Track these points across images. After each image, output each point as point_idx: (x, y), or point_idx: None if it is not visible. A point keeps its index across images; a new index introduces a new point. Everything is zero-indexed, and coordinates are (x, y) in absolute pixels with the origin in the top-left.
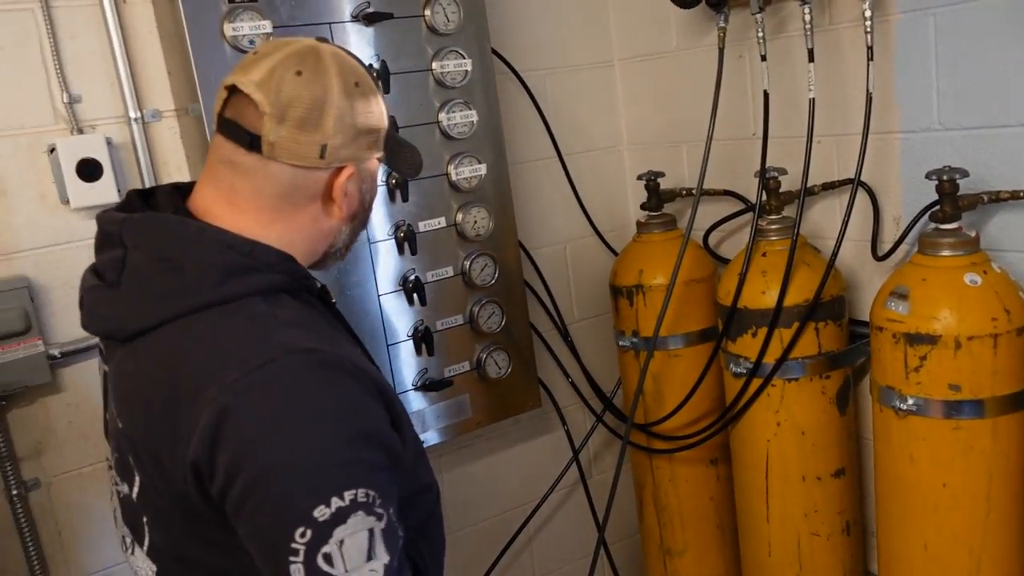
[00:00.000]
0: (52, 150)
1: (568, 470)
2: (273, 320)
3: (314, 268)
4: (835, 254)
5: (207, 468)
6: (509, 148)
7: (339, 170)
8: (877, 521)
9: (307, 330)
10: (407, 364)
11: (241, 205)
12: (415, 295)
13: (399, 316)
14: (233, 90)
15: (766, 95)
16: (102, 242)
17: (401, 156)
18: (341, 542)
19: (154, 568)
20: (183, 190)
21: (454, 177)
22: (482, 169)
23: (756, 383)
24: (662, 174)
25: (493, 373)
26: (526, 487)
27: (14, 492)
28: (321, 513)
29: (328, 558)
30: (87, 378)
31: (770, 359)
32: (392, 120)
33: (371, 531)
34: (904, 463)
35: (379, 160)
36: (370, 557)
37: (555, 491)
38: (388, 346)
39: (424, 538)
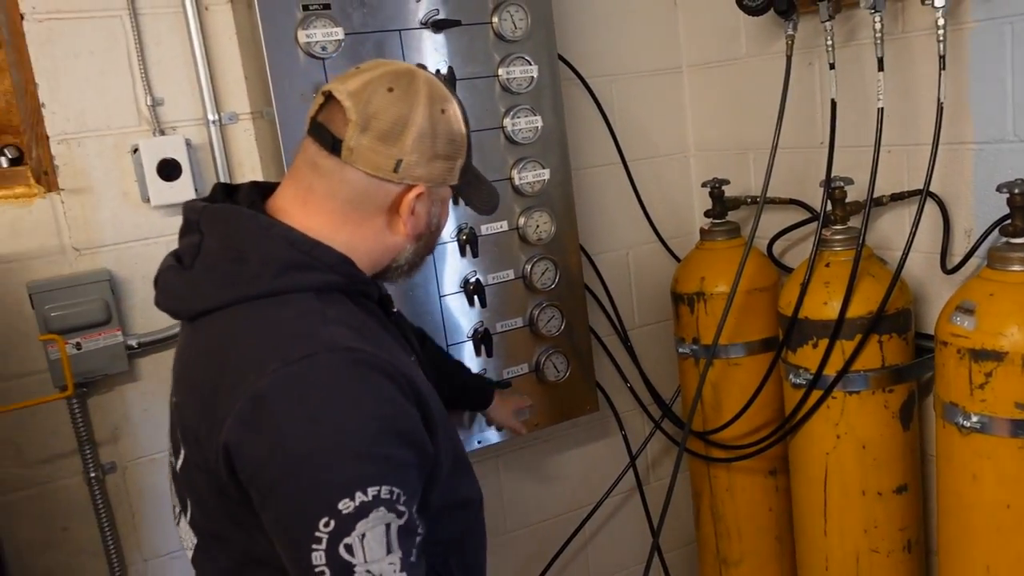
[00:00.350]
0: (135, 150)
1: (624, 475)
2: (321, 316)
3: (378, 279)
4: (901, 266)
5: (237, 451)
6: (573, 153)
7: (410, 187)
8: (939, 540)
9: (353, 330)
10: (467, 364)
11: (314, 205)
12: (476, 297)
13: (460, 317)
14: (328, 97)
15: (833, 103)
16: (184, 228)
17: (477, 192)
18: (363, 535)
19: (195, 540)
20: (264, 188)
21: (517, 181)
22: (545, 174)
23: (816, 395)
24: (727, 181)
25: (551, 376)
26: (583, 491)
27: (92, 475)
28: (346, 506)
29: (349, 549)
30: (162, 368)
31: (831, 371)
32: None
33: (389, 526)
34: (967, 482)
35: (453, 189)
36: (389, 550)
37: (612, 496)
38: (448, 346)
39: (458, 553)
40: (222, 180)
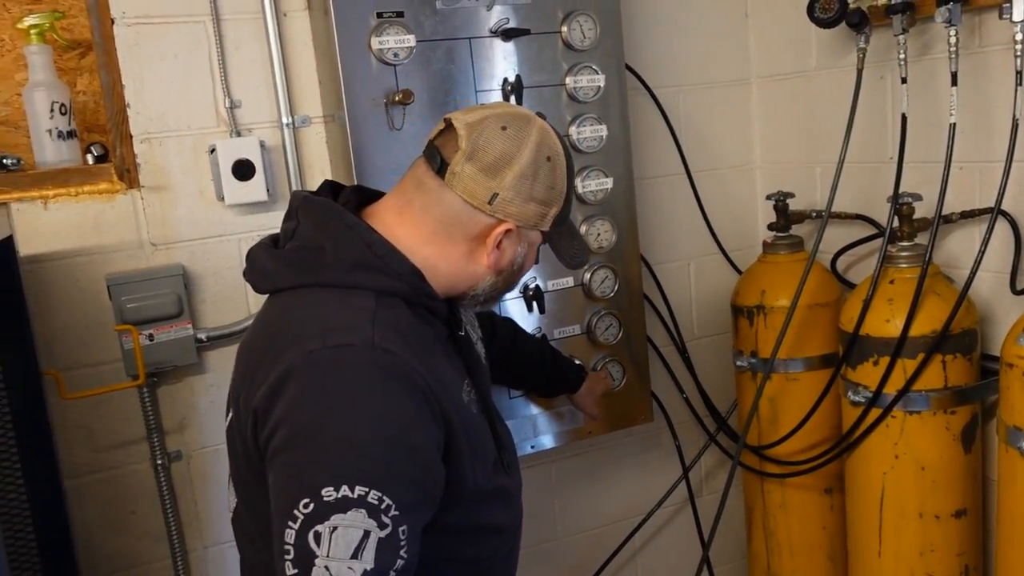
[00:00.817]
0: (212, 150)
1: (677, 487)
2: (371, 314)
3: (452, 301)
4: (968, 284)
5: (262, 416)
6: (637, 163)
7: (500, 222)
8: (997, 567)
9: (400, 335)
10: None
11: (408, 217)
12: (535, 303)
13: (519, 322)
14: (449, 125)
15: (904, 118)
16: (286, 214)
17: (568, 246)
18: (334, 528)
19: (235, 500)
20: (368, 194)
21: (580, 190)
22: (609, 183)
23: (875, 413)
24: (792, 195)
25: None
26: (635, 500)
27: (159, 461)
28: (327, 493)
29: (318, 537)
30: (228, 362)
31: (891, 389)
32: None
33: (366, 533)
34: None
35: (544, 236)
36: (355, 556)
37: (664, 507)
38: None
39: (477, 574)
40: (293, 181)
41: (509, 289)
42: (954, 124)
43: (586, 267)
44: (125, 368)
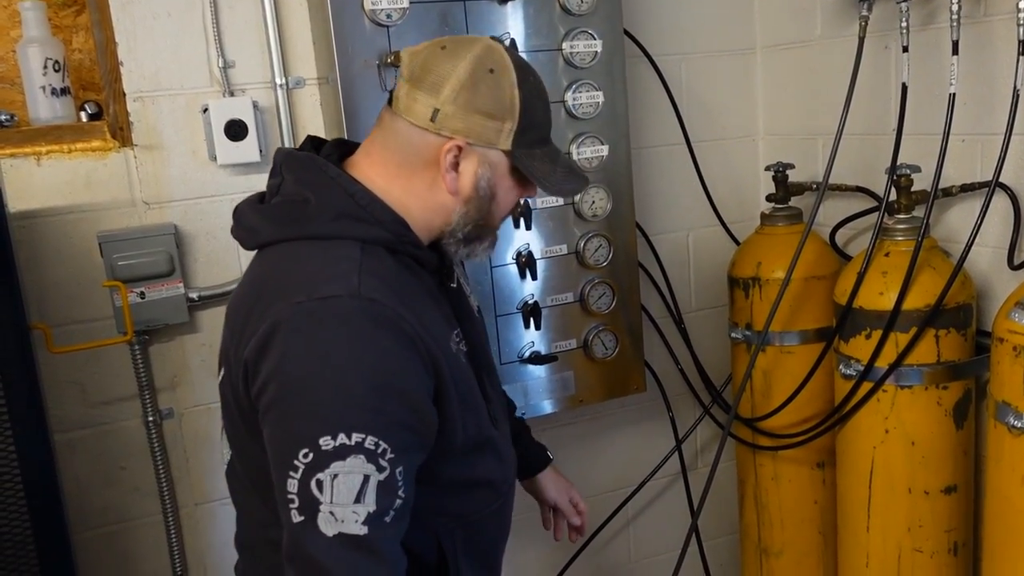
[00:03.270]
0: (205, 110)
1: (670, 459)
2: (356, 264)
3: (438, 247)
4: (963, 258)
5: (252, 369)
6: (636, 132)
7: (447, 140)
8: (984, 544)
9: (384, 283)
10: (514, 336)
11: (375, 158)
12: (527, 270)
13: (510, 289)
14: (398, 58)
15: (904, 87)
16: (271, 171)
17: (545, 169)
18: (335, 475)
19: (230, 453)
20: (349, 147)
21: (576, 157)
22: (604, 151)
23: (866, 387)
24: (791, 166)
25: (599, 353)
26: (627, 471)
27: (150, 419)
28: (325, 442)
29: (320, 485)
30: (220, 321)
31: (883, 363)
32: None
33: (366, 477)
34: (1015, 484)
35: (510, 158)
36: (358, 500)
37: (657, 479)
38: (496, 317)
39: (468, 530)
40: (286, 141)
41: (489, 224)
42: (954, 94)
43: (580, 236)
44: (116, 324)
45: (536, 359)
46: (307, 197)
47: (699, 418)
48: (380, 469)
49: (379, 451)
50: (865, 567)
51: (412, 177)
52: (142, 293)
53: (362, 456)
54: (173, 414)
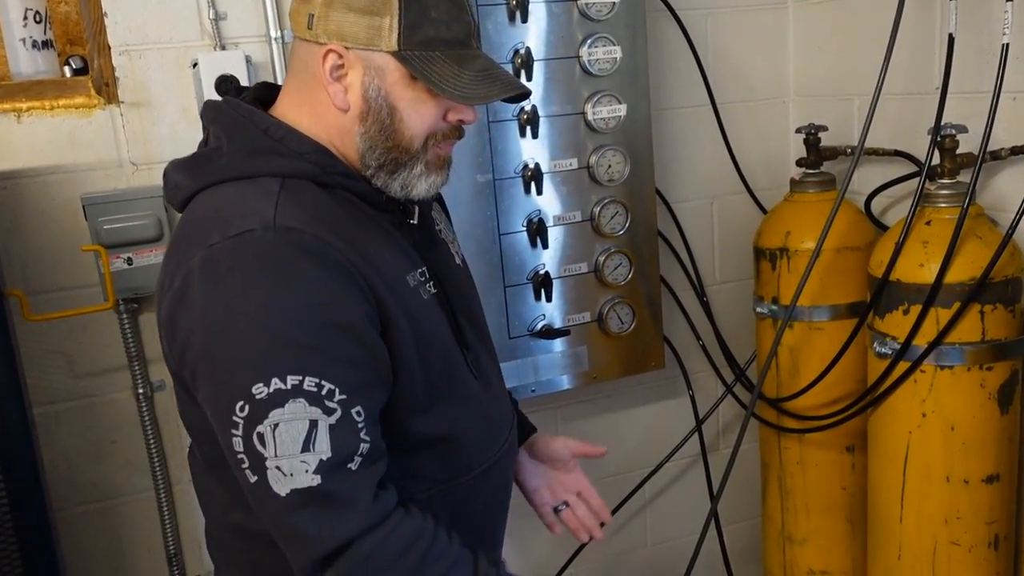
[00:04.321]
0: (195, 65)
1: (690, 439)
2: (273, 198)
3: (380, 184)
4: (1013, 227)
5: (169, 327)
6: (658, 92)
7: (324, 46)
8: (1020, 535)
9: (306, 213)
10: (524, 308)
11: (286, 89)
12: (538, 238)
13: (520, 258)
14: None
15: (951, 39)
16: (203, 127)
17: (448, 72)
18: (275, 425)
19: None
20: (273, 89)
21: (591, 116)
22: (621, 110)
23: (903, 366)
24: (824, 128)
25: (615, 327)
26: (645, 451)
27: (140, 391)
28: (259, 391)
29: (261, 438)
30: None
31: (921, 341)
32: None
33: (314, 423)
34: None
35: (401, 61)
36: (306, 448)
37: (676, 460)
38: (505, 288)
39: (445, 495)
40: None
41: (400, 144)
42: (1007, 46)
43: (595, 202)
44: (102, 292)
45: (547, 333)
46: (221, 142)
47: (721, 397)
48: (328, 411)
49: (323, 392)
50: (897, 560)
51: (312, 100)
52: (129, 259)
53: (302, 400)
54: (164, 386)
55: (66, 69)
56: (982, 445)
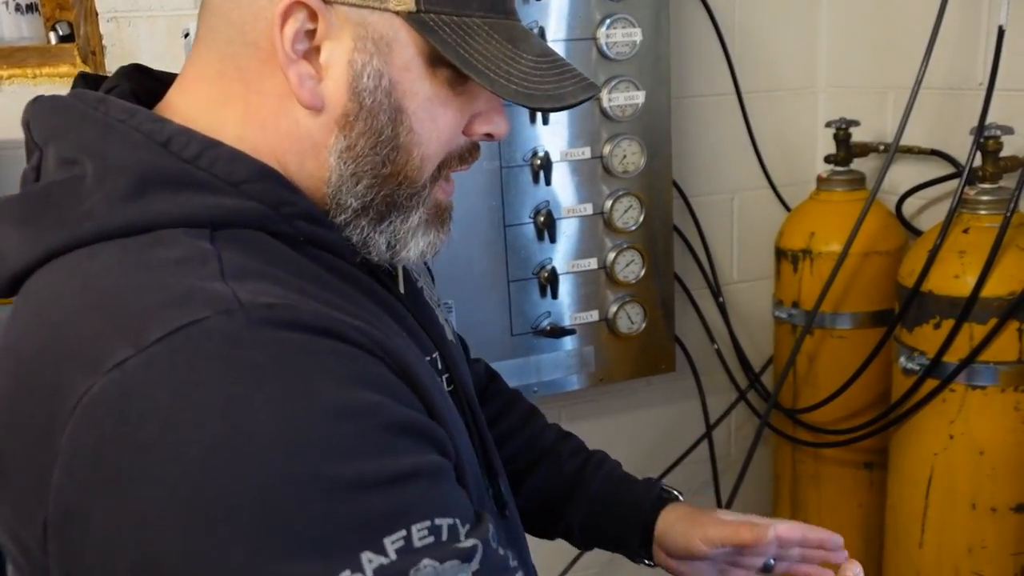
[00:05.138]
0: (187, 35)
1: (699, 445)
2: (211, 266)
3: (356, 238)
4: None
5: (62, 529)
6: (680, 79)
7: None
8: None
9: (279, 284)
10: (529, 305)
11: (188, 71)
12: (546, 231)
13: (525, 251)
14: None
15: (1000, 31)
16: (25, 143)
17: (492, 50)
18: None
19: None
20: (156, 77)
21: (606, 103)
22: (639, 97)
23: (931, 384)
24: (856, 123)
25: (624, 327)
26: (652, 457)
27: None
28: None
29: None
30: None
31: (952, 358)
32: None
33: None
34: None
35: (420, 29)
36: None
37: (685, 465)
38: (510, 283)
39: None
40: None
41: (403, 173)
42: None
43: (608, 194)
44: None
45: (552, 331)
46: (78, 170)
47: (733, 403)
48: (467, 557)
49: (444, 535)
50: None
51: (250, 92)
52: None
53: (429, 562)
54: None
55: (52, 35)
56: (1013, 472)
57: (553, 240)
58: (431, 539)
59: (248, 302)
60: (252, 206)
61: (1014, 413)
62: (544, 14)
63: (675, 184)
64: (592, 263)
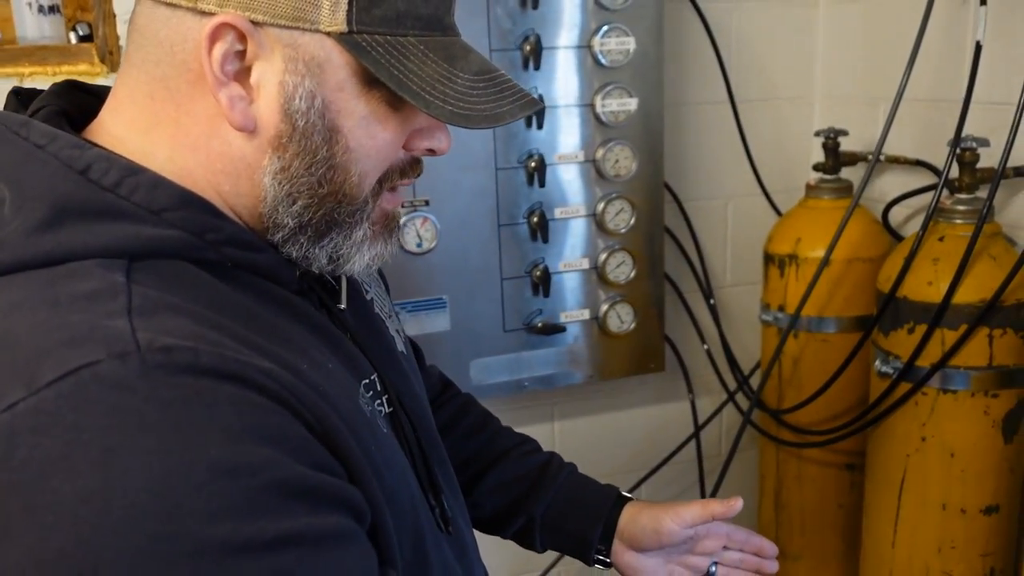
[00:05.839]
0: None
1: (687, 445)
2: (119, 301)
3: (296, 254)
4: None
5: None
6: (676, 86)
7: (211, 17)
8: (1021, 571)
9: (191, 318)
10: (521, 302)
11: (118, 91)
12: (539, 232)
13: (518, 251)
14: None
15: (978, 47)
16: None
17: (436, 75)
18: None
19: None
20: (90, 95)
21: (599, 109)
22: (632, 104)
23: (904, 387)
24: (845, 132)
25: (614, 327)
26: (643, 453)
27: None
28: None
29: None
30: None
31: (925, 363)
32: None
33: None
34: None
35: (353, 51)
36: None
37: (673, 464)
38: (503, 280)
39: None
40: None
41: (342, 191)
42: None
43: (600, 197)
44: None
45: (544, 329)
46: None
47: (722, 404)
48: None
49: None
50: None
51: (180, 113)
52: None
53: None
54: None
55: (72, 35)
56: (982, 474)
57: (546, 240)
58: None
59: (146, 344)
60: (174, 235)
61: (984, 417)
62: (540, 22)
63: (670, 189)
64: (584, 263)
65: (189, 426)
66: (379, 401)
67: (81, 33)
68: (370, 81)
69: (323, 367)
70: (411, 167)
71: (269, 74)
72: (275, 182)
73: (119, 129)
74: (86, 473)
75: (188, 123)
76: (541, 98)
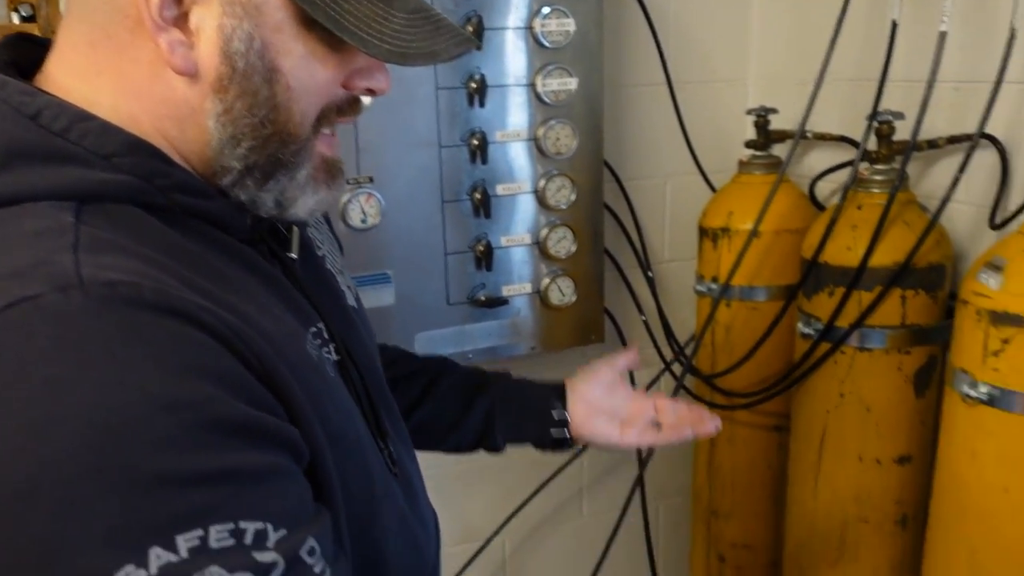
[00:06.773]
0: None
1: None
2: (66, 238)
3: (244, 198)
4: (938, 213)
5: None
6: (616, 68)
7: None
8: (930, 516)
9: (135, 257)
10: (465, 276)
11: (61, 40)
12: (481, 208)
13: (461, 226)
14: None
15: (894, 25)
16: None
17: (371, 15)
18: None
19: None
20: (38, 48)
21: (540, 88)
22: (572, 84)
23: (824, 347)
24: (774, 110)
25: (556, 300)
26: None
27: None
28: (129, 574)
29: None
30: None
31: (843, 323)
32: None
33: None
34: (965, 458)
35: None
36: None
37: None
38: (447, 255)
39: None
40: None
41: (285, 129)
42: (944, 33)
43: (541, 174)
44: None
45: (487, 302)
46: None
47: (659, 373)
48: (265, 569)
49: (246, 540)
50: (810, 535)
51: (122, 60)
52: None
53: (217, 568)
54: None
55: (14, 16)
56: (895, 427)
57: (488, 216)
58: (231, 542)
59: (90, 279)
60: (123, 179)
61: (897, 373)
62: (482, 3)
63: (610, 167)
64: (526, 238)
65: (129, 360)
66: (327, 348)
67: (23, 14)
68: (308, 21)
69: (270, 312)
70: (350, 106)
71: (207, 18)
72: (219, 124)
73: (64, 78)
74: (27, 402)
75: (130, 70)
76: (479, 44)
